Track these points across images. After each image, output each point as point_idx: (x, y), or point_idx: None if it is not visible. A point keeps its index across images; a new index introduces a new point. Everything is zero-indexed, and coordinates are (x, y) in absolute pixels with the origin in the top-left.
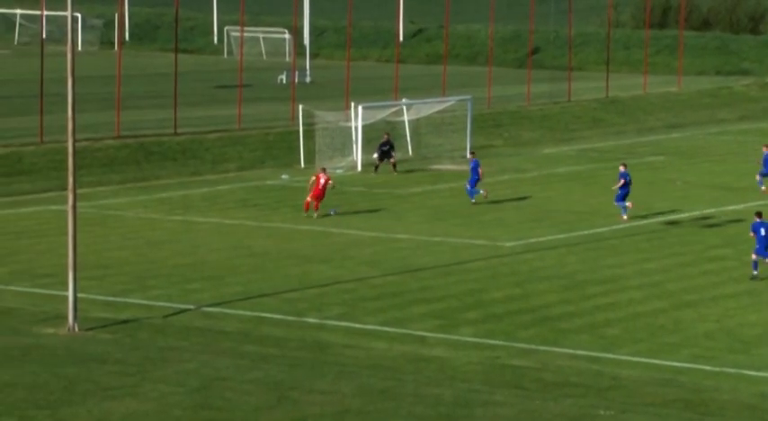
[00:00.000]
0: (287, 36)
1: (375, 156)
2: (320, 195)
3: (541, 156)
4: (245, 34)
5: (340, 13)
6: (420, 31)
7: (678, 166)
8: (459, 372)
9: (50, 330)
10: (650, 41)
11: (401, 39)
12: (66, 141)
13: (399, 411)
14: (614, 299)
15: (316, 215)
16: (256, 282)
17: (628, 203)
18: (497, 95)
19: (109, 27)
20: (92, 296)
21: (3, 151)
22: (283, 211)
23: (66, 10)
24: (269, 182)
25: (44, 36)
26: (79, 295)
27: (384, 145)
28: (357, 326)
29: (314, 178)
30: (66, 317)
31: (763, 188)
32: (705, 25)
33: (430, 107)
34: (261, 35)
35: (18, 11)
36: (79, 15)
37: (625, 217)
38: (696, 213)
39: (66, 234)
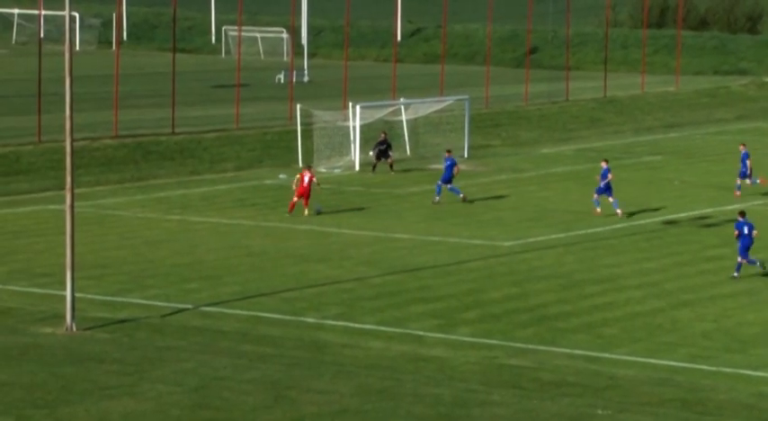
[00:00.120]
0: (285, 35)
1: (372, 154)
2: (306, 193)
3: (539, 155)
4: (243, 34)
5: (338, 13)
6: (418, 30)
7: (676, 166)
8: (457, 372)
9: (48, 330)
10: (648, 41)
11: (399, 38)
12: (65, 141)
13: (398, 411)
14: (612, 298)
15: (306, 213)
16: (254, 281)
17: (610, 199)
18: (495, 95)
19: (107, 26)
20: (90, 295)
21: (1, 151)
22: (281, 211)
23: (63, 9)
24: (267, 181)
25: (42, 35)
26: (77, 295)
27: (381, 144)
28: (355, 325)
29: (298, 176)
30: (63, 317)
31: (749, 182)
32: (703, 25)
33: (428, 107)
34: (258, 35)
35: (16, 10)
36: (77, 15)
37: (599, 210)
38: (694, 213)
39: (64, 233)
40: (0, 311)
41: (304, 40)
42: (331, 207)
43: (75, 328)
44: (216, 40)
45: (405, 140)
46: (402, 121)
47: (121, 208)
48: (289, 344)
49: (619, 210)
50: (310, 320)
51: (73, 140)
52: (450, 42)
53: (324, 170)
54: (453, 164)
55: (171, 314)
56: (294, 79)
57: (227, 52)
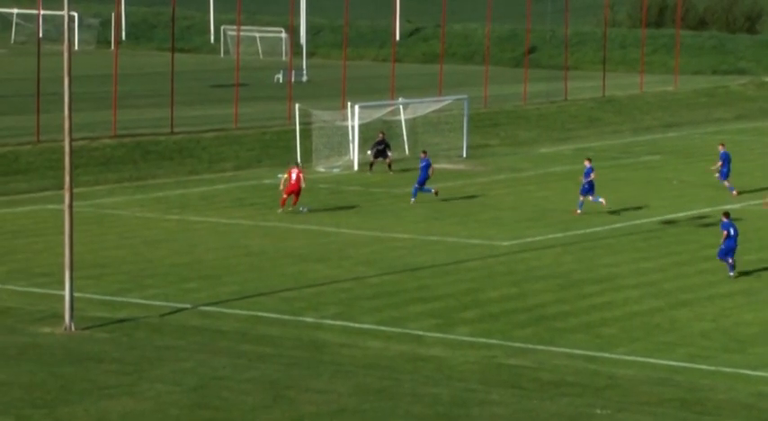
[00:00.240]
0: (283, 35)
1: (369, 153)
2: (296, 190)
3: (538, 155)
4: (242, 33)
5: (336, 12)
6: (417, 30)
7: (674, 166)
8: (455, 372)
9: (47, 329)
10: (647, 40)
11: (398, 38)
12: (63, 140)
13: (396, 410)
14: (610, 298)
15: (291, 208)
16: (253, 281)
17: (590, 198)
18: (494, 95)
19: (105, 26)
20: (88, 295)
21: None
22: (280, 211)
23: (62, 9)
24: (266, 181)
25: (41, 35)
26: (76, 294)
27: (379, 143)
28: (354, 325)
29: (286, 176)
30: (62, 317)
31: (727, 186)
32: (701, 24)
33: (426, 106)
34: (257, 34)
35: (15, 10)
36: (76, 14)
37: (579, 211)
38: (692, 213)
39: (63, 233)
40: None
41: (303, 40)
42: (330, 206)
43: (73, 328)
44: (215, 39)
45: (403, 140)
46: (401, 121)
47: (120, 207)
48: (287, 343)
49: (602, 200)
50: (309, 320)
51: (71, 140)
52: (448, 42)
53: (322, 170)
54: (428, 165)
55: (170, 313)
56: (293, 79)
57: (226, 52)
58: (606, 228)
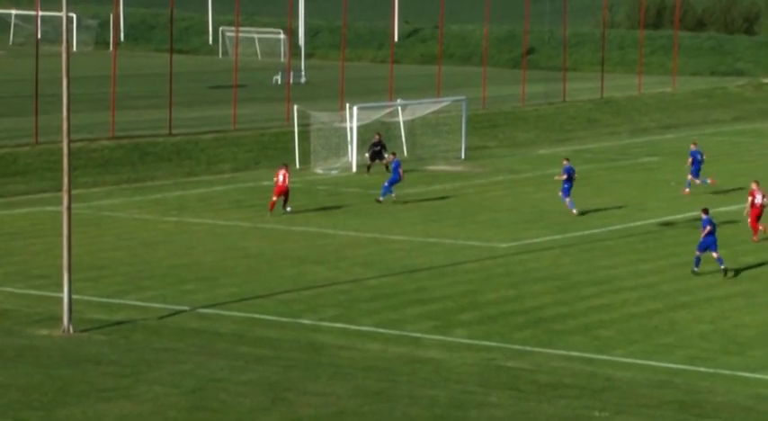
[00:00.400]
0: (282, 36)
1: (366, 155)
2: (284, 191)
3: (536, 156)
4: (240, 34)
5: (335, 14)
6: (415, 31)
7: (673, 167)
8: (453, 374)
9: (45, 331)
10: (645, 42)
11: (396, 39)
12: (61, 142)
13: (394, 412)
14: (609, 300)
15: (283, 209)
16: (251, 283)
17: (568, 202)
18: (492, 96)
19: (104, 27)
20: (86, 297)
21: None
22: (278, 213)
23: (61, 10)
24: (264, 183)
25: (39, 36)
26: (74, 296)
27: (375, 145)
28: (352, 327)
29: (275, 179)
30: (60, 319)
31: (700, 181)
32: (700, 25)
33: (425, 108)
34: (256, 35)
35: (13, 11)
36: (74, 16)
37: (575, 211)
38: (691, 214)
39: (61, 235)
40: None
41: (301, 41)
42: (328, 208)
43: (71, 330)
44: (213, 40)
45: (402, 141)
46: (399, 122)
47: (118, 209)
48: (286, 345)
49: (575, 211)
50: (307, 322)
51: (70, 141)
52: (446, 43)
53: (321, 171)
54: (398, 165)
55: (168, 316)
56: (291, 80)
57: (225, 53)
58: (604, 229)
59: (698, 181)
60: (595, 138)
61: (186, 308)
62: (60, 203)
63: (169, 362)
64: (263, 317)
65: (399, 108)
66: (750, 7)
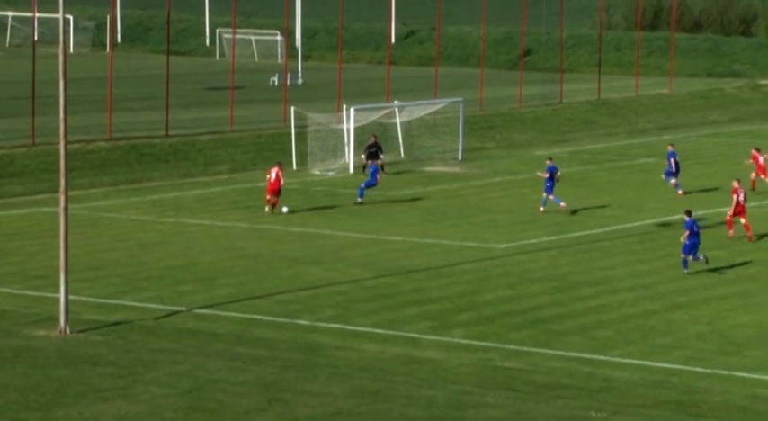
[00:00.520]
0: (279, 38)
1: (363, 157)
2: (276, 189)
3: (533, 157)
4: (237, 36)
5: (332, 15)
6: (412, 32)
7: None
8: (451, 374)
9: (42, 332)
10: (642, 43)
11: (393, 40)
12: (58, 143)
13: (391, 413)
14: (606, 300)
15: (271, 210)
16: (248, 283)
17: (562, 203)
18: (489, 97)
19: (101, 29)
20: (83, 298)
21: None
22: (275, 214)
23: (57, 12)
24: (261, 184)
25: (36, 38)
26: (71, 297)
27: (371, 147)
28: (349, 327)
29: (268, 176)
30: (57, 319)
31: (675, 186)
32: (697, 27)
33: (422, 109)
34: (253, 37)
35: (10, 13)
36: (71, 17)
37: (563, 204)
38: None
39: (58, 236)
40: None
41: (298, 43)
42: (325, 209)
43: (68, 331)
44: (210, 42)
45: (399, 143)
46: (396, 124)
47: (115, 210)
48: (283, 346)
49: (563, 204)
50: (304, 322)
51: (67, 143)
52: (444, 44)
53: (318, 172)
54: (376, 170)
55: (165, 316)
56: (288, 82)
57: (222, 54)
58: (601, 230)
59: (666, 177)
60: (592, 139)
61: (183, 308)
62: (57, 204)
63: (166, 363)
64: (260, 317)
65: (396, 109)
66: (747, 9)
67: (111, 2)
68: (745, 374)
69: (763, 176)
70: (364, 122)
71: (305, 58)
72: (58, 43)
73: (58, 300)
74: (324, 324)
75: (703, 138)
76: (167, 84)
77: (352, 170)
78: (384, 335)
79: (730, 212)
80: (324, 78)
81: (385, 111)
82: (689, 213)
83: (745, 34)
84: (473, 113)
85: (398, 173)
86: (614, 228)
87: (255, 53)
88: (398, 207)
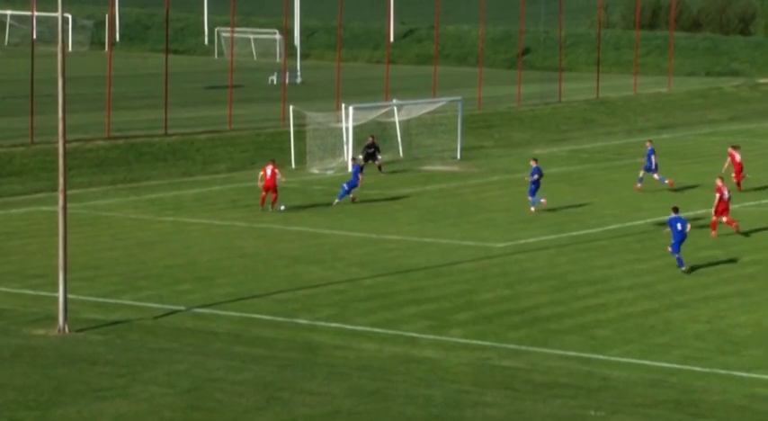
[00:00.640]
0: (278, 37)
1: (360, 157)
2: (272, 185)
3: (532, 156)
4: (236, 35)
5: (331, 14)
6: (410, 31)
7: (668, 167)
8: (449, 373)
9: (41, 331)
10: (640, 42)
11: (392, 39)
12: (57, 142)
13: (390, 412)
14: (605, 299)
15: (272, 208)
16: (247, 283)
17: (543, 200)
18: (488, 96)
19: (99, 27)
20: (82, 297)
21: None
22: (274, 212)
23: (56, 10)
24: (260, 183)
25: (34, 37)
26: (70, 296)
27: (369, 147)
28: (348, 327)
29: (262, 173)
30: (56, 318)
31: (657, 178)
32: (695, 26)
33: (421, 108)
34: (251, 36)
35: (8, 11)
36: (69, 16)
37: (533, 209)
38: (686, 214)
39: (57, 235)
40: None
41: (297, 42)
42: (324, 208)
43: (67, 330)
44: (209, 41)
45: (397, 142)
46: (395, 123)
47: (114, 209)
48: (281, 345)
49: (533, 209)
50: (303, 322)
51: (65, 142)
52: (442, 43)
53: (316, 171)
54: (358, 170)
55: (164, 315)
56: (287, 80)
57: (220, 53)
58: (600, 229)
59: (641, 174)
60: (591, 138)
61: (182, 307)
62: (56, 203)
63: (165, 362)
64: (258, 316)
65: (395, 108)
66: (745, 8)
67: (110, 0)
68: (744, 374)
69: (734, 176)
70: (363, 121)
71: (304, 56)
72: (56, 42)
73: (56, 298)
74: (322, 323)
75: (702, 137)
76: (166, 82)
77: (350, 169)
78: (382, 334)
79: (715, 213)
80: (322, 77)
81: (384, 110)
82: (676, 210)
83: (743, 33)
84: (472, 112)
85: (397, 172)
86: (613, 227)
87: (254, 52)
88: (397, 206)
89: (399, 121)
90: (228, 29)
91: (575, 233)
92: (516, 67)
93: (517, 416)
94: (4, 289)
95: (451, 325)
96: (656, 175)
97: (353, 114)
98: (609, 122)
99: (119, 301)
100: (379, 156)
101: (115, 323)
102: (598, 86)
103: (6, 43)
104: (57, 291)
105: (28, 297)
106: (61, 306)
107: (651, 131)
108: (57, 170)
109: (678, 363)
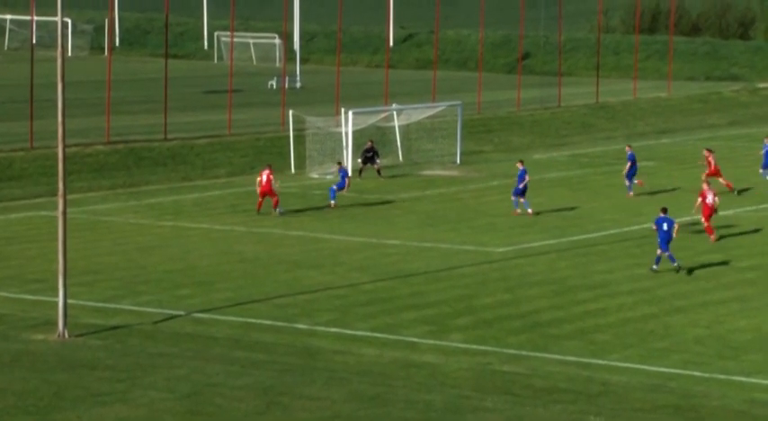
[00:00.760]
0: (277, 41)
1: (359, 161)
2: (268, 191)
3: (532, 161)
4: (236, 39)
5: (330, 18)
6: (410, 36)
7: (668, 172)
8: (449, 378)
9: (40, 336)
10: (640, 47)
11: (391, 44)
12: (57, 147)
13: (390, 417)
14: (604, 304)
15: (274, 212)
16: (247, 287)
17: (523, 203)
18: (487, 101)
19: (99, 32)
20: (82, 302)
21: None
22: (273, 217)
23: (56, 15)
24: (258, 188)
25: (34, 41)
26: (69, 301)
27: (367, 152)
28: (348, 331)
29: (258, 179)
30: (56, 323)
31: (630, 192)
32: (695, 30)
33: (420, 112)
34: (251, 40)
35: (8, 16)
36: (69, 20)
37: (518, 210)
38: (686, 219)
39: (57, 239)
40: None
41: (296, 46)
42: (324, 212)
43: (67, 335)
44: (208, 45)
45: (397, 146)
46: (394, 127)
47: (113, 214)
48: (281, 350)
49: (518, 210)
50: (303, 326)
51: (65, 146)
52: (442, 48)
53: (316, 176)
54: (345, 174)
55: (163, 320)
56: (286, 85)
57: (220, 58)
58: (600, 234)
59: (627, 182)
60: (591, 142)
61: (182, 312)
62: (55, 208)
63: (164, 367)
64: (258, 321)
65: (395, 113)
66: (745, 12)
67: (110, 5)
68: (744, 378)
69: (705, 179)
70: (362, 126)
71: (303, 61)
72: (56, 46)
73: (56, 303)
74: (322, 328)
75: (701, 142)
76: (165, 87)
77: (350, 173)
78: (382, 339)
79: (703, 218)
80: (322, 81)
81: (383, 115)
82: (664, 210)
83: (743, 37)
84: (471, 117)
85: (397, 176)
86: (613, 231)
87: (254, 56)
88: (397, 211)
89: (399, 126)
90: (228, 33)
91: (574, 238)
92: (516, 71)
93: None
94: (3, 294)
95: (451, 330)
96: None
97: (353, 119)
98: (608, 127)
99: (118, 306)
100: (378, 161)
101: (115, 328)
102: (598, 91)
103: (6, 48)
104: (56, 295)
105: (27, 302)
106: (61, 311)
107: (651, 136)
108: (56, 175)
109: (678, 368)
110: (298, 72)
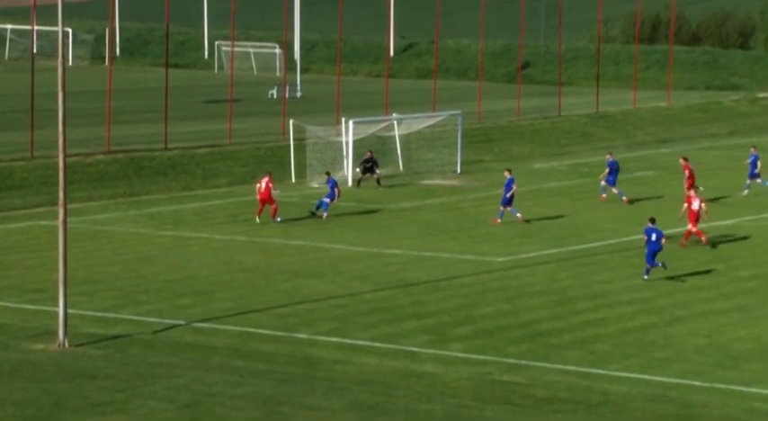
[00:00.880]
0: (277, 51)
1: (358, 170)
2: (266, 198)
3: (532, 170)
4: (236, 49)
5: (330, 28)
6: (410, 45)
7: (667, 181)
8: (449, 388)
9: (40, 346)
10: (640, 56)
11: (391, 53)
12: (57, 156)
13: None
14: (604, 314)
15: (272, 221)
16: (247, 297)
17: (510, 210)
18: (488, 110)
19: (100, 42)
20: (82, 311)
21: None
22: (274, 226)
23: (56, 25)
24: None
25: (35, 51)
26: (69, 310)
27: (367, 162)
28: (348, 341)
29: (257, 186)
30: (56, 333)
31: (604, 195)
32: (695, 40)
33: (420, 122)
34: (251, 50)
35: (9, 26)
36: (70, 30)
37: (499, 220)
38: (686, 229)
39: (57, 249)
40: None
41: (297, 56)
42: (324, 222)
43: (67, 344)
44: (209, 55)
45: (397, 155)
46: (395, 137)
47: (114, 223)
48: (281, 359)
49: (519, 215)
50: (303, 336)
51: (66, 156)
52: (442, 57)
53: (316, 185)
54: (335, 184)
55: (163, 330)
56: (287, 94)
57: (220, 67)
58: (600, 244)
59: (615, 190)
60: (591, 152)
61: (182, 322)
62: (56, 217)
63: (164, 377)
64: (258, 331)
65: (395, 122)
66: (745, 22)
67: (110, 15)
68: (744, 388)
69: (688, 186)
70: (363, 135)
71: (303, 70)
72: (56, 56)
73: (56, 313)
74: (322, 337)
75: (701, 152)
76: (166, 97)
77: (350, 183)
78: (382, 348)
79: (691, 225)
80: (322, 91)
81: (383, 124)
82: (653, 221)
83: (743, 47)
84: (471, 126)
85: (397, 186)
86: (612, 241)
87: (254, 66)
88: (397, 220)
89: (399, 135)
90: (228, 43)
91: (574, 247)
92: (516, 81)
93: None
94: (3, 303)
95: (451, 339)
96: (603, 186)
97: (353, 128)
98: (608, 136)
99: (118, 316)
100: (378, 171)
101: (115, 337)
102: (598, 101)
103: (6, 57)
104: (56, 305)
105: (27, 311)
106: (61, 320)
107: (651, 146)
108: (57, 184)
109: (678, 378)
110: (298, 81)
